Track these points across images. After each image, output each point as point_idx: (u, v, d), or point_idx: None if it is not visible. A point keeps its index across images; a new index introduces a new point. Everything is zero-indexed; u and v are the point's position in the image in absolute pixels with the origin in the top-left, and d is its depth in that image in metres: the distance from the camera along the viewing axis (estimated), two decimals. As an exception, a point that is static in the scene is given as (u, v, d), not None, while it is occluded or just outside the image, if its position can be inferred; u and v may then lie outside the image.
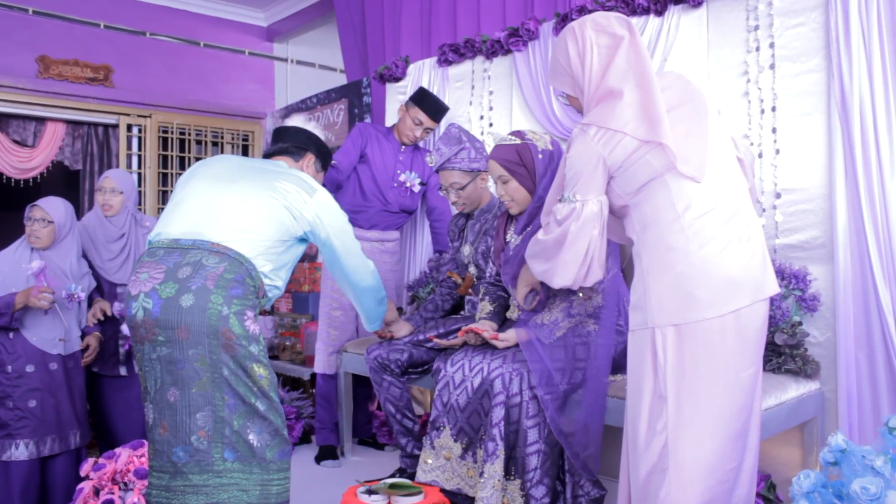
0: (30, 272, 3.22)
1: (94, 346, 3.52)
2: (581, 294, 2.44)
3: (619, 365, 2.42)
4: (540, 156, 2.55)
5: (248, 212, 2.15)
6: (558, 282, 2.02)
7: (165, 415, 2.04)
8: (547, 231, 2.04)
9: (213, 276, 2.01)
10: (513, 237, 2.70)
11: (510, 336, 2.45)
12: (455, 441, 2.48)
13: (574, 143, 1.93)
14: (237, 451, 2.02)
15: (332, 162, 2.76)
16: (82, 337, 3.48)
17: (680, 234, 1.79)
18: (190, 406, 2.01)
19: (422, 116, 3.49)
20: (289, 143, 2.56)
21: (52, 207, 3.44)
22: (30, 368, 3.27)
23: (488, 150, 3.04)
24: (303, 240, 2.30)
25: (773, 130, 2.68)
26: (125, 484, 2.69)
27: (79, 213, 5.43)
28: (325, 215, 2.29)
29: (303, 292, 4.66)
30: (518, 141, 2.56)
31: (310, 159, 2.56)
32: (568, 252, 1.96)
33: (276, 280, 2.19)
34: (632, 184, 1.86)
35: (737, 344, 1.79)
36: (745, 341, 1.80)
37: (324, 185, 2.50)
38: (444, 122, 3.84)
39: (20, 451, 3.23)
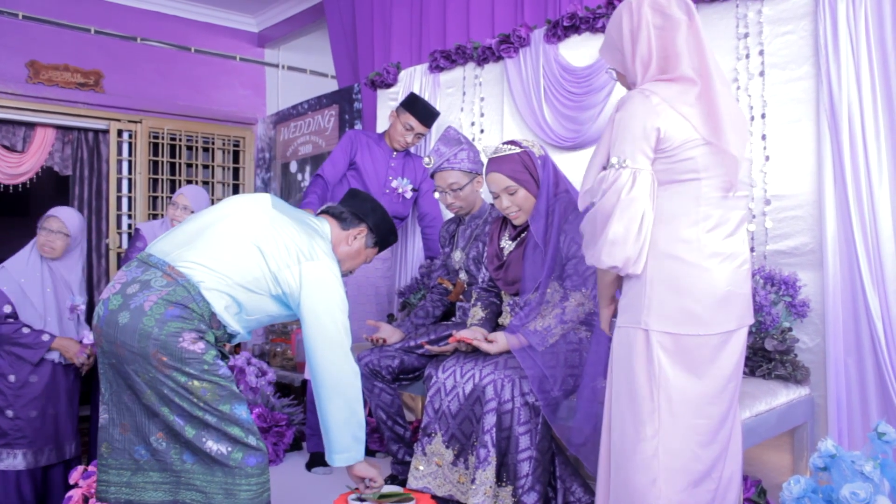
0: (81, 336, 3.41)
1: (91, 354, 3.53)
2: (573, 300, 2.44)
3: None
4: (539, 161, 2.56)
5: (223, 249, 2.10)
6: (606, 259, 1.77)
7: (125, 416, 2.05)
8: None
9: (153, 299, 1.97)
10: (507, 243, 2.70)
11: (499, 338, 2.45)
12: (446, 447, 2.47)
13: (630, 104, 1.78)
14: (196, 456, 2.01)
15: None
16: None
17: (695, 248, 1.78)
18: (145, 411, 2.02)
19: (413, 122, 3.49)
20: (346, 209, 2.44)
21: (70, 220, 3.52)
22: (33, 378, 3.31)
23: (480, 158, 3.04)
24: (284, 302, 2.18)
25: (763, 137, 2.69)
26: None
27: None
28: (310, 289, 2.13)
29: (294, 298, 4.65)
30: (518, 149, 2.56)
31: (361, 231, 2.43)
32: (619, 222, 1.74)
33: (231, 323, 2.10)
34: (668, 174, 1.80)
35: (725, 359, 1.83)
36: (731, 357, 1.85)
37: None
38: (435, 128, 3.85)
39: (18, 461, 3.25)
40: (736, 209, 1.86)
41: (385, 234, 2.51)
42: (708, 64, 1.80)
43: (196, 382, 1.97)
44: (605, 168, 1.80)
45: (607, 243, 1.75)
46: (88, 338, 3.39)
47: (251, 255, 2.11)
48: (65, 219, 3.49)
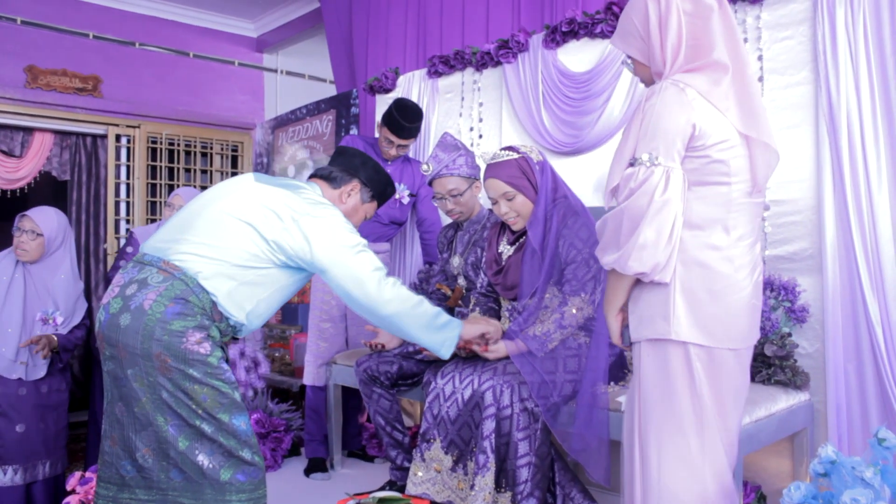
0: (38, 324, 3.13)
1: (43, 342, 3.18)
2: (572, 305, 2.44)
3: (611, 376, 2.42)
4: (537, 167, 2.56)
5: (214, 233, 2.05)
6: (634, 265, 1.65)
7: (115, 428, 2.02)
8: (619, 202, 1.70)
9: (152, 297, 1.94)
10: (505, 247, 2.70)
11: (500, 347, 2.44)
12: (445, 453, 2.46)
13: (663, 95, 1.67)
14: (184, 472, 1.95)
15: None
16: (60, 372, 3.29)
17: (726, 257, 1.71)
18: (134, 423, 1.97)
19: (390, 136, 3.44)
20: (335, 168, 2.40)
21: (43, 219, 3.27)
22: None
23: (478, 163, 3.04)
24: (292, 267, 2.14)
25: (762, 142, 2.69)
26: (112, 498, 2.65)
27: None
28: (316, 241, 2.09)
29: (292, 303, 4.65)
30: (516, 155, 2.56)
31: (354, 187, 2.38)
32: (650, 226, 1.62)
33: (235, 311, 2.05)
34: (697, 174, 1.70)
35: (743, 372, 1.81)
36: (747, 370, 1.83)
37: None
38: (434, 134, 3.85)
39: None
40: (757, 216, 1.80)
41: (381, 186, 2.46)
42: (740, 52, 1.73)
43: (197, 387, 1.94)
44: (631, 163, 1.68)
45: (637, 248, 1.63)
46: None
47: (244, 233, 2.06)
48: (37, 218, 3.24)
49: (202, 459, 1.94)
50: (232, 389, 2.01)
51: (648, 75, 1.82)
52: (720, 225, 1.71)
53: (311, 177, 2.42)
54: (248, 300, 2.08)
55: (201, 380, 1.94)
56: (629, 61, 1.87)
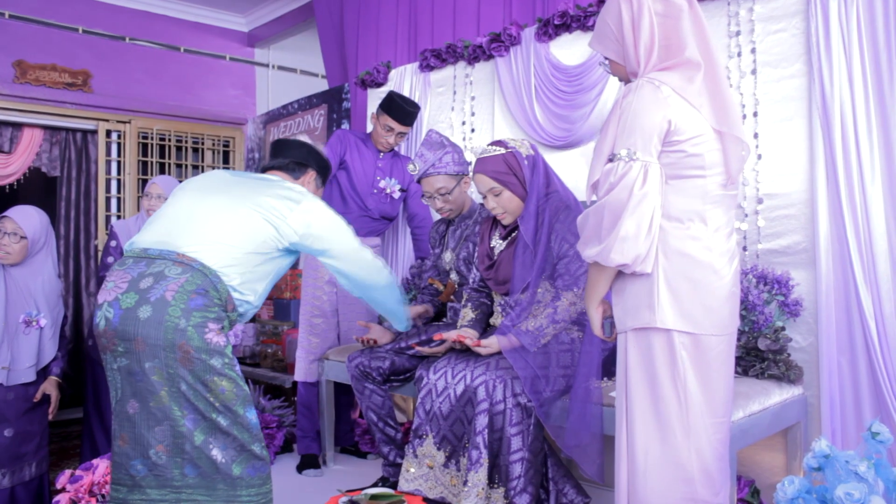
0: None
1: (55, 395, 3.25)
2: (565, 300, 2.42)
3: (605, 371, 2.41)
4: (526, 162, 2.54)
5: (222, 223, 2.09)
6: (616, 257, 1.69)
7: (125, 427, 2.00)
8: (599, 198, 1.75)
9: (174, 288, 1.95)
10: (497, 242, 2.68)
11: (492, 342, 2.43)
12: (438, 449, 2.45)
13: (639, 92, 1.72)
14: (199, 468, 1.96)
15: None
16: (44, 373, 3.23)
17: (705, 246, 1.75)
18: (148, 419, 1.96)
19: (391, 123, 3.44)
20: (289, 159, 2.47)
21: (26, 220, 3.17)
22: None
23: (467, 156, 3.02)
24: (290, 252, 2.22)
25: (755, 136, 2.68)
26: (103, 496, 2.64)
27: (55, 222, 5.37)
28: (316, 224, 2.20)
29: (284, 299, 4.62)
30: (503, 150, 2.54)
31: (311, 176, 2.50)
32: (630, 218, 1.67)
33: (247, 294, 2.10)
34: (673, 168, 1.74)
35: (728, 359, 1.82)
36: (732, 357, 1.85)
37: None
38: (423, 127, 3.83)
39: None
40: (732, 207, 1.85)
41: (327, 170, 2.59)
42: (711, 50, 1.78)
43: (217, 378, 1.96)
44: (610, 159, 1.73)
45: (618, 240, 1.67)
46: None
47: (252, 219, 2.12)
48: (19, 219, 3.13)
49: (216, 454, 1.96)
50: (243, 382, 2.05)
51: (624, 74, 1.88)
52: (698, 217, 1.76)
53: (268, 169, 2.46)
54: (258, 284, 2.15)
55: (221, 371, 1.97)
56: (606, 62, 1.92)
